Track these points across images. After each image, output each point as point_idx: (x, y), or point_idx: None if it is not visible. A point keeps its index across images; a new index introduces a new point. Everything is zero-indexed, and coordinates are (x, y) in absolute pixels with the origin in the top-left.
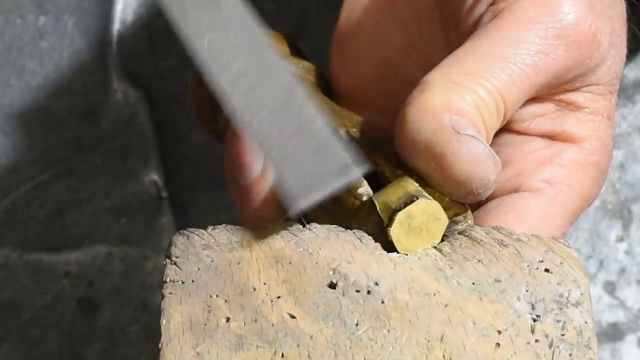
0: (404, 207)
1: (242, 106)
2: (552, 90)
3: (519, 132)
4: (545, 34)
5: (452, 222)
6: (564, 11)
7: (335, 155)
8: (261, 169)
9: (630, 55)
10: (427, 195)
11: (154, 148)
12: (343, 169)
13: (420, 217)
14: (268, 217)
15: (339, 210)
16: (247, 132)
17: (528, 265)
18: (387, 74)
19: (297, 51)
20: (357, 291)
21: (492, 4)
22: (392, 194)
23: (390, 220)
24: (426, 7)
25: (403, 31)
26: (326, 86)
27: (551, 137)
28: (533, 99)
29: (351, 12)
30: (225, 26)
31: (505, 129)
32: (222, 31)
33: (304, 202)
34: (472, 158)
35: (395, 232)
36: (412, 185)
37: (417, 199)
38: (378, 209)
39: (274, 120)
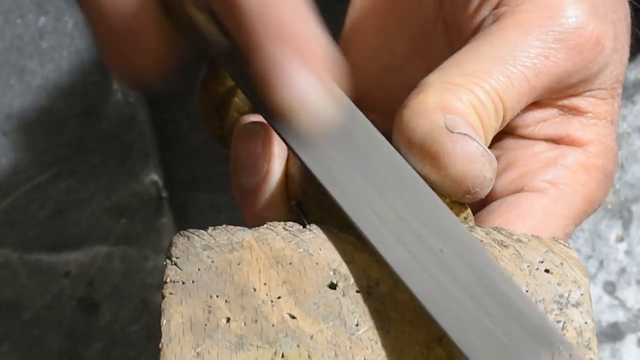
0: None
1: (411, 271)
2: (555, 95)
3: (523, 137)
4: (545, 37)
5: None
6: (566, 15)
7: (536, 324)
8: (265, 171)
9: (631, 57)
10: None
11: (154, 148)
12: (550, 342)
13: None
14: (273, 219)
15: (342, 215)
16: (426, 303)
17: (528, 266)
18: (390, 80)
19: None
20: (357, 291)
21: (494, 8)
22: None
23: None
24: (430, 13)
25: (406, 38)
26: None
27: (555, 141)
28: (536, 105)
29: (355, 19)
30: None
31: (510, 133)
32: (368, 177)
33: None
34: (466, 156)
35: None
36: None
37: None
38: None
39: (452, 285)
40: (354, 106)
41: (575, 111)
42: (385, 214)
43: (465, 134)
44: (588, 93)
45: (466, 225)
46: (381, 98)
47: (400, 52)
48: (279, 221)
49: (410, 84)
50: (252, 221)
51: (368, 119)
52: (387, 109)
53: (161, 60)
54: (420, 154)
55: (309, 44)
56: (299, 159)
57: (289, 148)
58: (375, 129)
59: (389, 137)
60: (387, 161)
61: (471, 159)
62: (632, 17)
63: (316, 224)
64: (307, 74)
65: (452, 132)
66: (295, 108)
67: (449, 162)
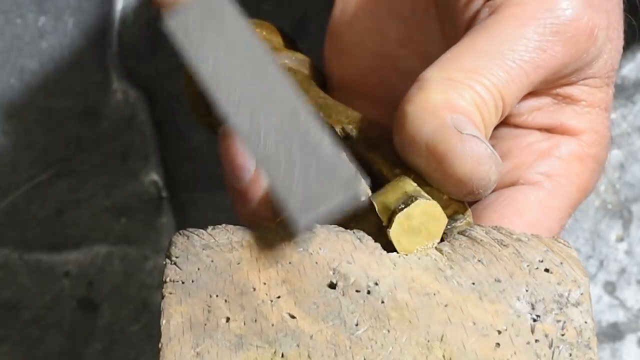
0: (403, 208)
1: (246, 127)
2: (549, 85)
3: (516, 126)
4: (543, 30)
5: (451, 219)
6: (562, 7)
7: (339, 171)
8: (254, 171)
9: (625, 45)
10: (426, 195)
11: (154, 148)
12: (347, 184)
13: (420, 217)
14: (266, 217)
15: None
16: (251, 153)
17: (528, 265)
18: (382, 65)
19: (290, 42)
20: (357, 291)
21: (488, 0)
22: (391, 194)
23: (390, 221)
24: None
25: (398, 22)
26: (321, 78)
27: (549, 130)
28: (530, 94)
29: (346, 3)
30: (228, 46)
31: (503, 122)
32: (225, 51)
33: (309, 218)
34: (474, 158)
35: (394, 233)
36: (410, 185)
37: (416, 199)
38: (377, 210)
39: (278, 140)
40: None
41: (569, 100)
42: (230, 72)
43: (475, 136)
44: (582, 82)
45: (464, 222)
46: (373, 83)
47: (392, 37)
48: (273, 217)
49: (403, 69)
50: (247, 220)
51: (359, 105)
52: (379, 95)
53: None
54: (426, 152)
55: None
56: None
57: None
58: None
59: (382, 129)
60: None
61: (479, 160)
62: (624, 3)
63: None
64: None
65: (461, 132)
66: None
67: (456, 163)
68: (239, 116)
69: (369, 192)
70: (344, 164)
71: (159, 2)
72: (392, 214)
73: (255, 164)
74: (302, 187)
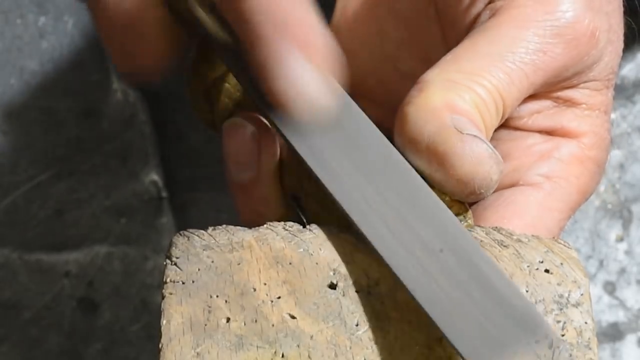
0: None
1: (402, 261)
2: (550, 88)
3: (516, 128)
4: (543, 33)
5: None
6: (563, 9)
7: (522, 310)
8: (257, 166)
9: (625, 47)
10: None
11: (154, 148)
12: (534, 328)
13: None
14: (268, 213)
15: (337, 206)
16: (414, 293)
17: (528, 266)
18: (382, 66)
19: None
20: (357, 291)
21: (489, 2)
22: None
23: None
24: (422, 1)
25: (399, 24)
26: None
27: (549, 132)
28: (531, 96)
29: (346, 4)
30: (373, 171)
31: (503, 125)
32: (365, 170)
33: None
34: (475, 158)
35: None
36: None
37: None
38: None
39: (443, 278)
40: (350, 98)
41: (569, 103)
42: (383, 210)
43: (475, 136)
44: (582, 85)
45: (465, 224)
46: (373, 86)
47: (393, 38)
48: (274, 215)
49: (404, 72)
50: (247, 216)
51: (360, 107)
52: (379, 97)
53: (164, 54)
54: (426, 152)
55: (308, 35)
56: (294, 151)
57: (285, 140)
58: (370, 122)
59: (381, 125)
60: (382, 155)
61: (480, 160)
62: (624, 6)
63: (313, 218)
64: (305, 64)
65: (462, 133)
66: (292, 98)
67: (457, 163)
68: (390, 246)
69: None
70: (526, 302)
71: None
72: None
73: (258, 159)
74: (478, 330)
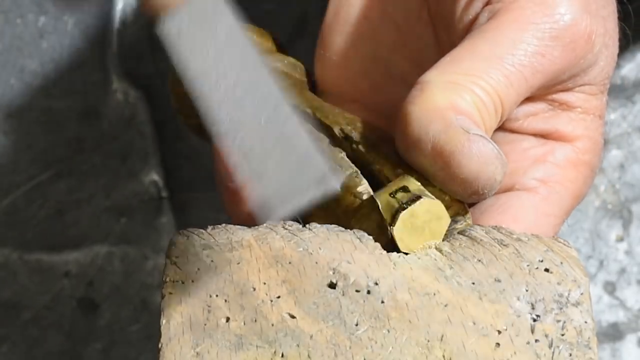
0: (408, 206)
1: (227, 121)
2: (546, 91)
3: (512, 131)
4: (542, 35)
5: (452, 221)
6: (561, 12)
7: (314, 166)
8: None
9: (620, 52)
10: (430, 194)
11: (154, 148)
12: (321, 179)
13: (423, 216)
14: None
15: (338, 209)
16: (229, 148)
17: (528, 265)
18: (374, 69)
19: (281, 48)
20: (357, 291)
21: (487, 4)
22: (395, 192)
23: (394, 219)
24: (415, 2)
25: (391, 27)
26: (312, 82)
27: (544, 135)
28: (526, 99)
29: (339, 7)
30: (219, 47)
31: (499, 127)
32: (215, 52)
33: (280, 211)
34: (481, 158)
35: (398, 230)
36: (414, 184)
37: (421, 198)
38: (380, 207)
39: (256, 135)
40: None
41: (564, 106)
42: (221, 73)
43: (482, 136)
44: (578, 88)
45: (464, 224)
46: (364, 88)
47: (385, 42)
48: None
49: (395, 74)
50: (241, 220)
51: (350, 110)
52: (371, 100)
53: None
54: (432, 152)
55: None
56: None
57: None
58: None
59: (381, 130)
60: (229, 29)
61: (486, 160)
62: (618, 11)
63: (310, 218)
64: None
65: (468, 132)
66: None
67: (463, 162)
68: (221, 115)
69: (370, 191)
70: (318, 158)
71: (152, 6)
72: (396, 212)
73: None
74: (276, 181)
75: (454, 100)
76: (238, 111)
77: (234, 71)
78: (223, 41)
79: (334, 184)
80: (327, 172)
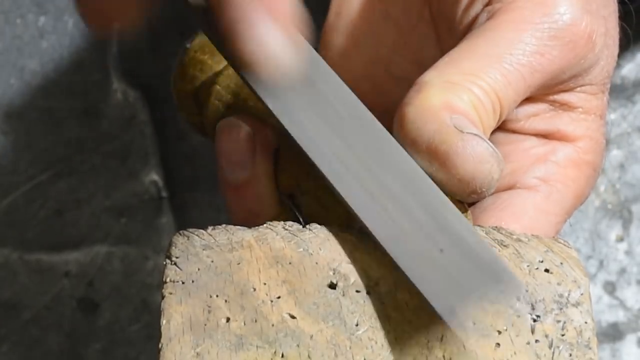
0: None
1: (377, 218)
2: (547, 91)
3: (513, 131)
4: (541, 35)
5: None
6: (560, 11)
7: (486, 258)
8: (251, 165)
9: (620, 51)
10: None
11: (154, 148)
12: (497, 273)
13: None
14: (262, 214)
15: (338, 207)
16: (382, 241)
17: (528, 266)
18: (375, 70)
19: None
20: (357, 291)
21: (487, 5)
22: None
23: None
24: (416, 2)
25: (393, 27)
26: None
27: (545, 136)
28: (527, 99)
29: (340, 7)
30: (341, 126)
31: (500, 128)
32: (340, 131)
33: (459, 310)
34: (477, 157)
35: None
36: None
37: None
38: None
39: (413, 231)
40: (318, 56)
41: (565, 106)
42: (349, 160)
43: (476, 134)
44: (579, 88)
45: None
46: (367, 89)
47: (387, 42)
48: (269, 215)
49: (397, 75)
50: (241, 217)
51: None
52: (373, 100)
53: (135, 12)
54: (427, 152)
55: None
56: (269, 111)
57: (260, 101)
58: (337, 77)
59: None
60: (351, 110)
61: (481, 159)
62: (619, 10)
63: (310, 217)
64: (272, 24)
65: (462, 132)
66: (260, 57)
67: (458, 162)
68: (365, 205)
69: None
70: (490, 252)
71: (97, 23)
72: None
73: (253, 158)
74: (445, 275)
75: (450, 100)
76: (384, 197)
77: (362, 152)
78: (343, 118)
79: (517, 281)
80: (506, 268)
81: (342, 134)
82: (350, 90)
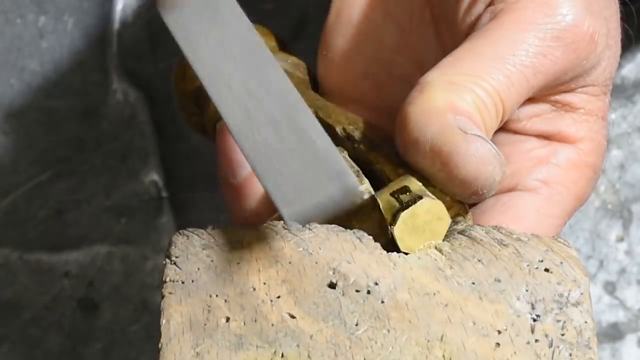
0: (409, 206)
1: (239, 122)
2: (548, 92)
3: (515, 132)
4: (543, 35)
5: (453, 222)
6: (562, 12)
7: (330, 164)
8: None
9: (623, 52)
10: (431, 194)
11: (154, 148)
12: (338, 177)
13: (424, 216)
14: (262, 214)
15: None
16: (242, 147)
17: (528, 265)
18: (376, 70)
19: (284, 46)
20: (357, 291)
21: (489, 5)
22: (396, 193)
23: (394, 219)
24: (417, 3)
25: (394, 27)
26: (315, 82)
27: (547, 137)
28: (529, 100)
29: (341, 8)
30: (226, 41)
31: (502, 128)
32: (224, 47)
33: (298, 212)
34: (479, 158)
35: (398, 230)
36: (415, 185)
37: (422, 198)
38: (381, 207)
39: (270, 135)
40: None
41: (567, 107)
42: (226, 68)
43: (479, 136)
44: (581, 89)
45: (465, 225)
46: (367, 89)
47: (388, 42)
48: (269, 214)
49: (398, 75)
50: (242, 216)
51: (352, 110)
52: (374, 101)
53: None
54: (430, 153)
55: None
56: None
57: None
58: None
59: (382, 130)
60: (240, 30)
61: (484, 160)
62: (620, 12)
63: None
64: None
65: (466, 133)
66: None
67: (461, 163)
68: (233, 111)
69: (372, 191)
70: (336, 158)
71: None
72: (397, 212)
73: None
74: (292, 181)
75: (453, 101)
76: (250, 109)
77: (244, 67)
78: (231, 35)
79: (352, 183)
80: (345, 171)
81: (228, 51)
82: (240, 10)
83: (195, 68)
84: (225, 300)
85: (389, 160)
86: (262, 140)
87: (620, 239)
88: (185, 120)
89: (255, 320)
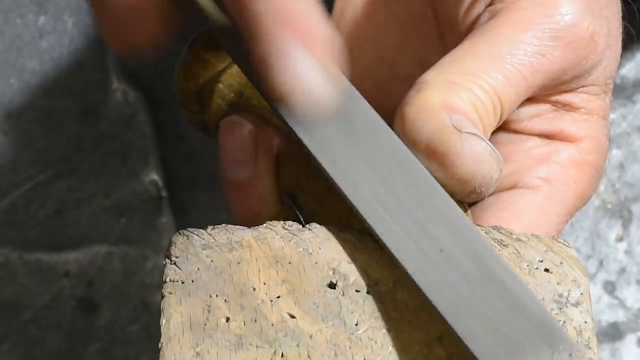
0: None
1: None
2: (549, 92)
3: (516, 132)
4: (542, 35)
5: None
6: (562, 12)
7: (540, 320)
8: (254, 164)
9: (624, 52)
10: None
11: (154, 148)
12: (553, 337)
13: None
14: (263, 213)
15: (339, 207)
16: (433, 298)
17: (528, 265)
18: (379, 70)
19: None
20: (357, 291)
21: (489, 5)
22: None
23: None
24: (420, 3)
25: (397, 28)
26: None
27: (548, 136)
28: (529, 100)
29: (344, 7)
30: (381, 162)
31: (503, 128)
32: (377, 167)
33: None
34: (476, 156)
35: None
36: None
37: None
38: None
39: (456, 278)
40: (355, 90)
41: (568, 107)
42: (390, 204)
43: (475, 134)
44: (581, 89)
45: None
46: (371, 89)
47: (391, 42)
48: (270, 214)
49: (401, 75)
50: (242, 215)
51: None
52: (377, 100)
53: (160, 35)
54: (426, 152)
55: (310, 28)
56: (302, 144)
57: (293, 134)
58: (375, 113)
59: None
60: (389, 147)
61: (480, 158)
62: (623, 11)
63: (311, 217)
64: (308, 57)
65: (461, 131)
66: (295, 91)
67: (457, 162)
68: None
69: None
70: (541, 307)
71: (123, 46)
72: None
73: (256, 157)
74: (493, 332)
75: (450, 100)
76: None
77: (404, 195)
78: (381, 154)
79: (566, 338)
80: (556, 324)
81: (379, 171)
82: (385, 123)
83: (339, 185)
84: (226, 301)
85: None
86: (448, 285)
87: (620, 239)
88: (187, 119)
89: (256, 321)
